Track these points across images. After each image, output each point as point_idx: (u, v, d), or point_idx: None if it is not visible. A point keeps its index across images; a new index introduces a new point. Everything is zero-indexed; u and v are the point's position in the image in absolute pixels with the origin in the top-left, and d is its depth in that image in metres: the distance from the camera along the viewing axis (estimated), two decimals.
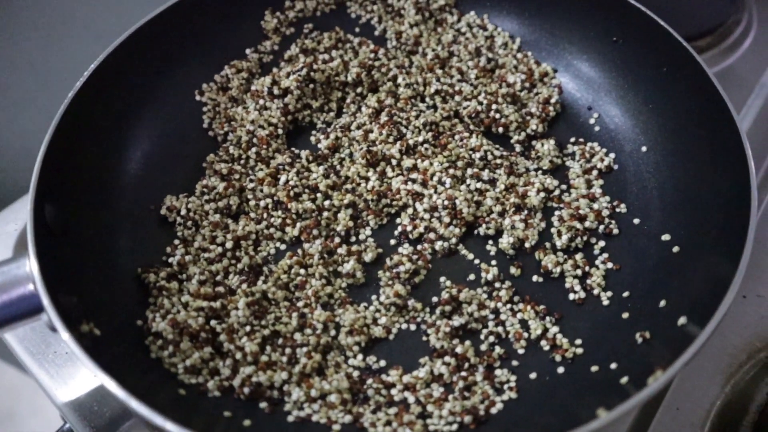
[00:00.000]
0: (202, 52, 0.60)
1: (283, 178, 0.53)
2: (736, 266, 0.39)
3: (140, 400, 0.35)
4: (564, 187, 0.54)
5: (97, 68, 0.51)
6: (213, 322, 0.45)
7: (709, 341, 0.48)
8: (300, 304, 0.47)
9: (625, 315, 0.46)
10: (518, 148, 0.56)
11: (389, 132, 0.55)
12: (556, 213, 0.52)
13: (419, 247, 0.51)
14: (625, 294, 0.47)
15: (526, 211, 0.51)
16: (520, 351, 0.45)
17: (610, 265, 0.49)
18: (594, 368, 0.43)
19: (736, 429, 0.45)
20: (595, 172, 0.54)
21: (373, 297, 0.48)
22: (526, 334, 0.46)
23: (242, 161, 0.55)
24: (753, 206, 0.42)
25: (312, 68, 0.58)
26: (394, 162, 0.54)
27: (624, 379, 0.39)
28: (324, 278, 0.49)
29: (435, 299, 0.48)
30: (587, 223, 0.51)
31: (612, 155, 0.55)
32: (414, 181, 0.52)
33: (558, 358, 0.44)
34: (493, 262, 0.50)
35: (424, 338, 0.46)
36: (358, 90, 0.59)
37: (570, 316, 0.47)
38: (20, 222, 0.58)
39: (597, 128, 0.57)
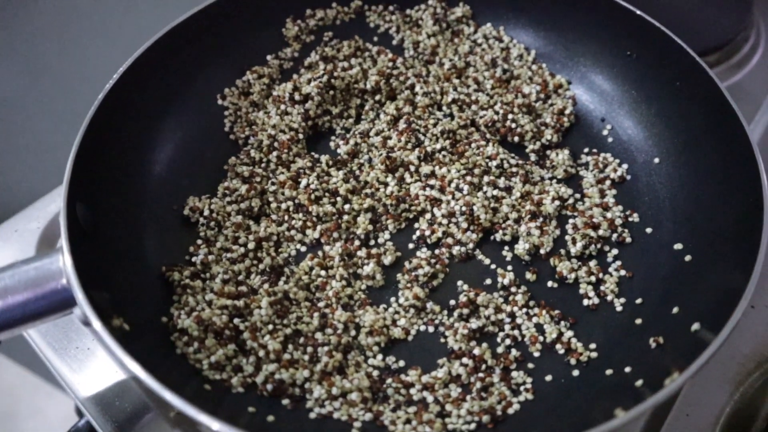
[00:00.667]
0: (224, 58, 0.61)
1: (303, 182, 0.54)
2: (749, 276, 0.41)
3: (173, 391, 0.36)
4: (578, 196, 0.55)
5: (125, 73, 0.52)
6: (236, 321, 0.46)
7: (719, 351, 0.49)
8: (321, 304, 0.48)
9: (639, 321, 0.47)
10: (533, 157, 0.58)
11: (408, 139, 0.56)
12: (571, 221, 0.53)
13: (437, 251, 0.52)
14: (638, 301, 0.48)
15: (541, 219, 0.53)
16: (536, 354, 0.47)
17: (623, 272, 0.50)
18: (608, 371, 0.44)
19: None
20: (608, 182, 0.56)
21: (392, 299, 0.50)
22: (541, 338, 0.47)
23: (263, 164, 0.57)
24: (765, 218, 0.43)
25: (332, 75, 0.59)
26: (412, 168, 0.55)
27: (639, 382, 0.41)
28: (344, 280, 0.50)
29: (453, 302, 0.49)
30: (601, 232, 0.52)
31: (625, 166, 0.56)
32: (432, 187, 0.54)
33: (573, 361, 0.46)
34: (509, 268, 0.51)
35: (442, 340, 0.47)
36: (377, 97, 0.61)
37: (584, 321, 0.48)
38: (42, 220, 0.60)
39: (610, 139, 0.59)
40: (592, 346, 0.46)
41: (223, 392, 0.43)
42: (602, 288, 0.49)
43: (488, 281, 0.51)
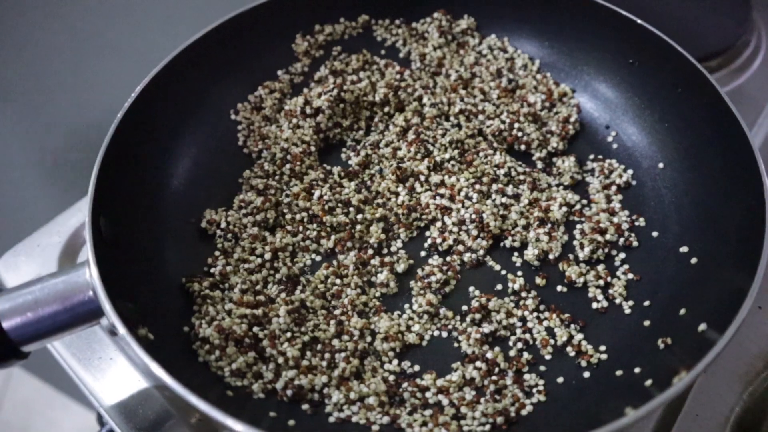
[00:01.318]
0: (236, 74, 0.63)
1: (317, 193, 0.56)
2: (753, 276, 0.42)
3: (200, 396, 0.37)
4: (585, 201, 0.57)
5: (142, 91, 0.54)
6: (255, 329, 0.47)
7: (728, 351, 0.50)
8: (337, 312, 0.50)
9: (647, 323, 0.48)
10: (540, 164, 0.59)
11: (417, 149, 0.58)
12: (578, 226, 0.54)
13: (448, 258, 0.53)
14: (646, 303, 0.49)
15: (549, 225, 0.54)
16: (547, 357, 0.48)
17: (630, 275, 0.51)
18: (618, 372, 0.45)
19: None
20: (614, 188, 0.57)
21: (406, 306, 0.51)
22: (552, 341, 0.48)
23: (277, 177, 0.58)
24: None
25: (342, 89, 0.61)
26: (422, 178, 0.57)
27: (648, 382, 0.42)
28: (359, 288, 0.51)
29: (465, 308, 0.50)
30: (608, 236, 0.53)
31: (630, 171, 0.58)
32: (442, 196, 0.55)
33: (583, 363, 0.47)
34: (519, 273, 0.52)
35: (456, 344, 0.49)
36: (386, 109, 0.62)
37: (594, 324, 0.49)
38: (63, 235, 0.61)
39: (615, 146, 0.60)
40: (602, 348, 0.48)
41: (244, 398, 0.44)
42: (611, 291, 0.51)
43: (499, 287, 0.52)
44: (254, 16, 0.62)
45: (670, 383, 0.38)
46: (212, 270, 0.52)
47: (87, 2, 0.77)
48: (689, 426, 0.48)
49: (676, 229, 0.53)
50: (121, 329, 0.40)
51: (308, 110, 0.60)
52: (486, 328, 0.48)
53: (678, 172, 0.55)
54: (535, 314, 0.50)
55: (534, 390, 0.46)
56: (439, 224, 0.55)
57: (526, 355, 0.48)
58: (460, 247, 0.53)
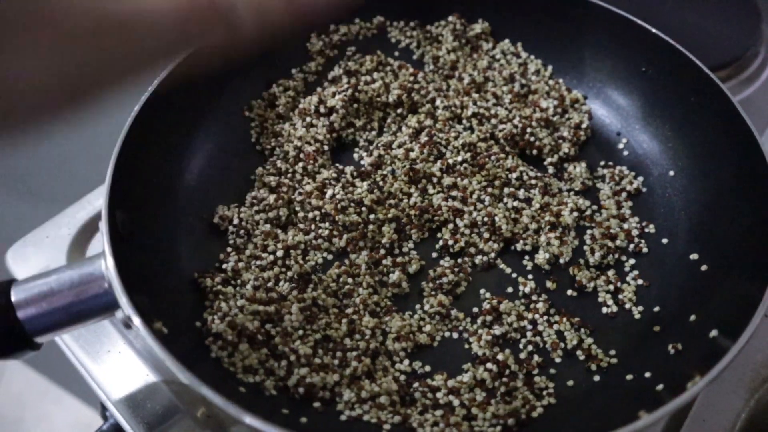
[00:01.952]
0: (250, 72, 0.63)
1: (329, 192, 0.56)
2: (765, 284, 0.42)
3: (215, 389, 0.37)
4: (595, 207, 0.57)
5: (157, 88, 0.54)
6: (268, 326, 0.48)
7: (736, 357, 0.51)
8: (349, 311, 0.50)
9: (657, 328, 0.48)
10: (551, 169, 0.60)
11: (429, 151, 0.58)
12: (589, 232, 0.55)
13: (460, 260, 0.54)
14: (656, 309, 0.50)
15: (560, 229, 0.54)
16: (558, 360, 0.48)
17: (640, 281, 0.52)
18: (629, 377, 0.45)
19: None
20: (624, 194, 0.57)
21: (417, 306, 0.51)
22: (562, 344, 0.49)
23: (289, 175, 0.58)
24: None
25: (356, 89, 0.61)
26: (434, 180, 0.57)
27: (659, 387, 0.42)
28: (371, 287, 0.51)
29: (476, 310, 0.51)
30: (618, 242, 0.54)
31: (640, 179, 0.58)
32: (454, 198, 0.56)
33: (593, 367, 0.47)
34: (530, 276, 0.53)
35: (467, 346, 0.49)
36: (399, 111, 0.63)
37: (604, 329, 0.50)
38: (73, 227, 0.61)
39: (626, 153, 0.60)
40: (612, 352, 0.48)
41: (257, 394, 0.44)
42: (620, 296, 0.51)
43: (510, 289, 0.52)
44: None
45: (681, 388, 0.38)
46: (224, 266, 0.52)
47: None
48: (696, 431, 0.48)
49: (686, 236, 0.53)
50: (138, 322, 0.40)
51: (322, 109, 0.60)
52: (497, 330, 0.49)
53: (689, 180, 0.56)
54: (545, 317, 0.50)
55: (544, 392, 0.46)
56: (451, 226, 0.55)
57: (536, 358, 0.48)
58: (472, 250, 0.54)
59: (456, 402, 0.45)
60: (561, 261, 0.53)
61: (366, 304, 0.50)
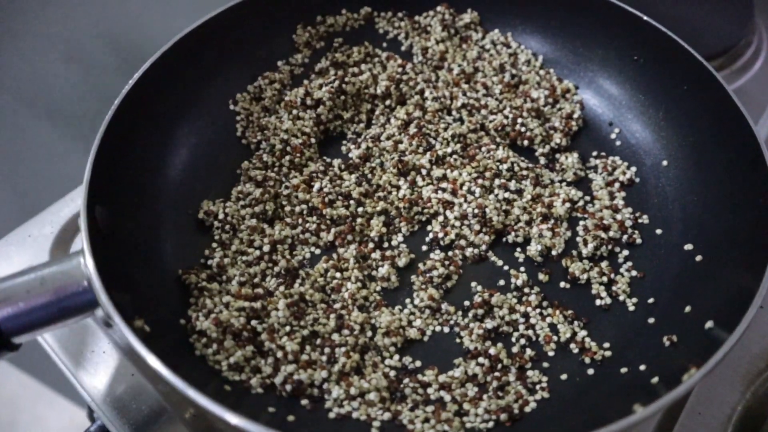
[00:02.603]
0: (236, 64, 0.62)
1: (317, 186, 0.55)
2: (761, 275, 0.41)
3: (197, 388, 0.36)
4: (588, 198, 0.56)
5: (139, 80, 0.53)
6: (254, 322, 0.46)
7: (731, 349, 0.50)
8: (337, 306, 0.49)
9: (651, 320, 0.47)
10: (543, 160, 0.59)
11: (419, 143, 0.57)
12: (581, 223, 0.54)
13: (450, 253, 0.52)
14: (650, 300, 0.49)
15: (552, 221, 0.53)
16: (551, 353, 0.47)
17: (634, 272, 0.51)
18: (623, 370, 0.44)
19: (757, 431, 0.47)
20: (617, 185, 0.56)
21: (407, 300, 0.50)
22: (555, 338, 0.48)
23: (276, 168, 0.57)
24: None
25: (343, 81, 0.60)
26: (424, 172, 0.56)
27: (655, 380, 0.41)
28: (359, 281, 0.50)
29: (467, 303, 0.50)
30: (611, 233, 0.53)
31: (633, 169, 0.57)
32: (444, 190, 0.55)
33: (587, 360, 0.46)
34: (522, 269, 0.52)
35: (458, 340, 0.48)
36: (387, 102, 0.62)
37: (597, 321, 0.49)
38: (56, 225, 0.60)
39: (618, 143, 0.59)
40: (606, 345, 0.47)
41: (242, 393, 0.43)
42: (614, 288, 0.50)
43: (502, 282, 0.51)
44: (255, 5, 0.61)
45: (677, 381, 0.37)
46: (209, 262, 0.51)
47: None
48: (692, 424, 0.47)
49: (680, 226, 0.52)
50: (117, 320, 0.38)
51: (309, 101, 0.59)
52: (488, 323, 0.48)
53: (682, 169, 0.55)
54: (538, 310, 0.49)
55: (537, 387, 0.45)
56: (441, 218, 0.54)
57: (529, 352, 0.47)
58: (463, 242, 0.53)
59: (447, 397, 0.44)
60: (553, 253, 0.52)
61: (354, 298, 0.49)
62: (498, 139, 0.59)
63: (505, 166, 0.56)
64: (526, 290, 0.50)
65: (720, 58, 0.71)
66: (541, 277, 0.51)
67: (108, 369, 0.51)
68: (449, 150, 0.57)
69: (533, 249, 0.52)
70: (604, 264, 0.51)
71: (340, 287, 0.50)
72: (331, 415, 0.43)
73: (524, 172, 0.56)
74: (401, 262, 0.52)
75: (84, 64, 0.81)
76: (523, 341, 0.48)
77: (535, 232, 0.53)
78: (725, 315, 0.41)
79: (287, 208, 0.54)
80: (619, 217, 0.54)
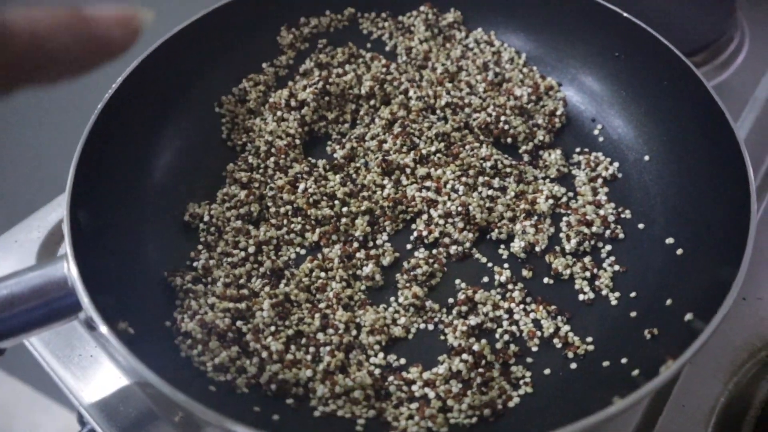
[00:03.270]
0: (220, 67, 0.62)
1: (301, 186, 0.55)
2: (738, 267, 0.42)
3: (182, 391, 0.36)
4: (571, 194, 0.56)
5: (122, 83, 0.53)
6: (239, 323, 0.47)
7: (712, 342, 0.50)
8: (322, 305, 0.49)
9: (633, 313, 0.48)
10: (526, 157, 0.59)
11: (403, 142, 0.58)
12: (564, 219, 0.54)
13: (435, 251, 0.53)
14: (633, 294, 0.49)
15: (535, 217, 0.54)
16: (534, 348, 0.47)
17: (617, 267, 0.51)
18: (605, 363, 0.45)
19: (740, 422, 0.47)
20: (600, 180, 0.57)
21: (392, 299, 0.50)
22: (539, 333, 0.48)
23: (261, 170, 0.57)
24: (752, 211, 0.45)
25: (327, 82, 0.60)
26: (408, 171, 0.56)
27: (635, 372, 0.41)
28: (344, 281, 0.51)
29: (451, 300, 0.50)
30: (594, 228, 0.53)
31: (616, 164, 0.58)
32: (428, 188, 0.55)
33: (570, 354, 0.47)
34: (506, 265, 0.52)
35: (442, 337, 0.48)
36: (371, 102, 0.62)
37: (580, 316, 0.49)
38: (42, 230, 0.60)
39: (601, 139, 0.60)
40: (589, 339, 0.47)
41: (228, 393, 0.43)
42: (597, 283, 0.51)
43: (485, 279, 0.51)
44: (239, 7, 0.61)
45: (656, 373, 0.38)
46: (195, 264, 0.51)
47: None
48: (675, 416, 0.48)
49: (662, 220, 0.53)
50: (100, 323, 0.39)
51: (293, 103, 0.59)
52: (472, 320, 0.48)
53: (664, 164, 0.55)
54: (521, 306, 0.49)
55: (521, 382, 0.45)
56: (425, 217, 0.54)
57: (512, 347, 0.47)
58: (447, 240, 0.53)
59: (432, 394, 0.44)
60: (537, 249, 0.52)
61: (339, 298, 0.49)
62: (482, 137, 0.60)
63: (488, 164, 0.56)
64: (510, 286, 0.50)
65: (702, 53, 0.72)
66: (525, 273, 0.51)
67: (95, 373, 0.51)
68: (433, 149, 0.58)
69: (517, 245, 0.52)
70: (587, 259, 0.52)
71: (325, 287, 0.50)
72: (316, 413, 0.43)
73: (508, 170, 0.56)
74: (386, 260, 0.52)
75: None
76: (506, 337, 0.48)
77: (518, 228, 0.53)
78: (704, 307, 0.41)
79: (272, 210, 0.55)
80: (602, 212, 0.54)
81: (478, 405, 0.43)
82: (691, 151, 0.54)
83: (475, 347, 0.47)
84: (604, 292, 0.50)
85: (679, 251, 0.49)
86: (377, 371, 0.46)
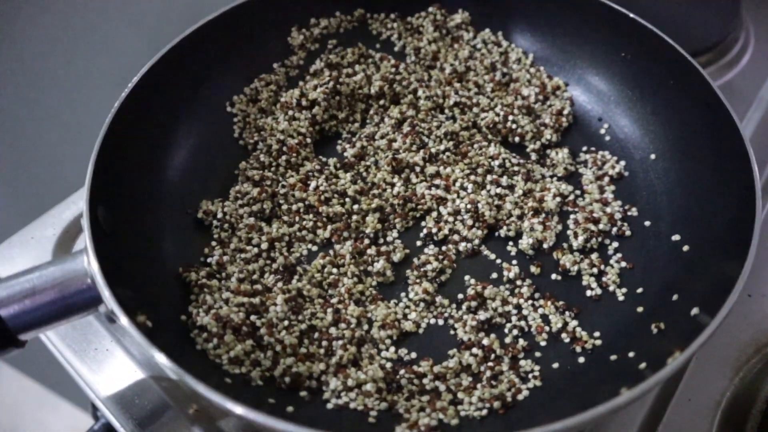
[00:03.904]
0: (232, 67, 0.63)
1: (313, 184, 0.56)
2: (743, 262, 0.42)
3: (200, 380, 0.37)
4: (578, 192, 0.57)
5: (137, 84, 0.54)
6: (253, 317, 0.48)
7: (718, 338, 0.51)
8: (334, 300, 0.50)
9: (640, 309, 0.49)
10: (534, 156, 0.60)
11: (412, 141, 0.58)
12: (572, 216, 0.55)
13: (444, 248, 0.54)
14: (639, 290, 0.50)
15: (543, 215, 0.54)
16: (543, 343, 0.48)
17: (623, 264, 0.52)
18: (613, 357, 0.46)
19: (746, 416, 0.48)
20: (606, 179, 0.58)
21: (402, 294, 0.51)
22: (547, 328, 0.49)
23: (272, 168, 0.58)
24: (758, 208, 0.45)
25: (337, 81, 0.61)
26: (417, 169, 0.57)
27: (642, 365, 0.42)
28: (355, 277, 0.52)
29: (461, 296, 0.51)
30: (601, 226, 0.54)
31: (622, 163, 0.58)
32: (437, 186, 0.56)
33: (578, 349, 0.47)
34: (514, 262, 0.53)
35: (452, 332, 0.49)
36: (381, 102, 0.63)
37: (588, 311, 0.50)
38: (58, 227, 0.61)
39: (607, 138, 0.61)
40: (596, 334, 0.48)
41: (243, 385, 0.44)
42: (604, 279, 0.51)
43: (494, 275, 0.52)
44: (250, 9, 0.62)
45: (664, 364, 0.38)
46: (209, 260, 0.52)
47: None
48: (682, 410, 0.49)
49: (668, 218, 0.53)
50: (120, 315, 0.40)
51: (304, 102, 0.60)
52: (482, 315, 0.49)
53: (670, 162, 0.56)
54: (530, 302, 0.50)
55: (530, 375, 0.46)
56: (434, 214, 0.55)
57: (521, 342, 0.48)
58: (456, 237, 0.54)
59: (442, 387, 0.45)
60: (545, 246, 0.53)
61: (351, 293, 0.50)
62: (490, 136, 0.60)
63: (496, 163, 0.57)
64: (518, 282, 0.51)
65: (707, 53, 0.72)
66: (533, 269, 0.52)
67: (111, 366, 0.52)
68: (442, 147, 0.59)
69: (525, 242, 0.53)
70: (594, 256, 0.53)
71: (337, 282, 0.51)
72: (329, 405, 0.44)
73: (515, 168, 0.57)
74: (396, 257, 0.53)
75: (84, 67, 0.82)
76: (515, 332, 0.49)
77: (526, 226, 0.54)
78: (710, 301, 0.42)
79: (284, 207, 0.56)
80: (608, 210, 0.55)
81: (488, 398, 0.44)
82: (697, 149, 0.54)
83: (485, 342, 0.47)
84: (611, 288, 0.51)
85: (685, 248, 0.50)
86: (388, 365, 0.47)
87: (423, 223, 0.55)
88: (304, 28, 0.67)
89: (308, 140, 0.60)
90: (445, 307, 0.50)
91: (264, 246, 0.53)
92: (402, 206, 0.55)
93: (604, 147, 0.60)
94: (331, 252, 0.53)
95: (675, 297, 0.47)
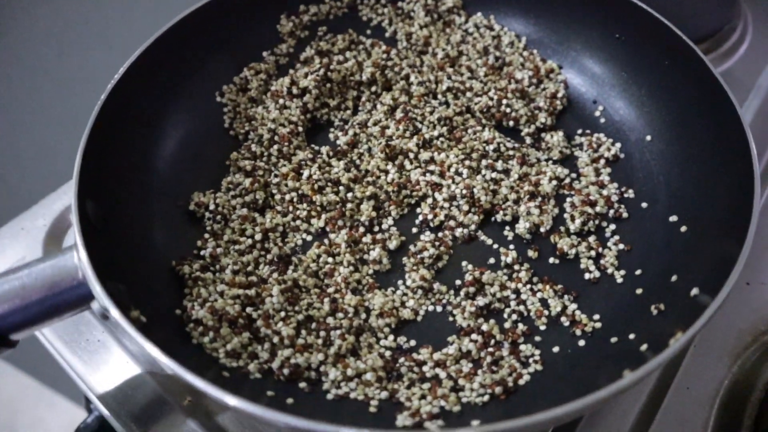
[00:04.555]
0: (220, 56, 0.62)
1: (305, 173, 0.55)
2: (743, 241, 0.42)
3: (197, 374, 0.37)
4: (574, 175, 0.57)
5: (125, 74, 0.53)
6: (249, 309, 0.47)
7: (717, 326, 0.51)
8: (330, 290, 0.49)
9: (639, 291, 0.48)
10: (528, 140, 0.59)
11: (405, 127, 0.58)
12: (568, 199, 0.55)
13: (440, 234, 0.53)
14: (638, 272, 0.50)
15: (540, 198, 0.54)
16: (542, 327, 0.48)
17: (621, 246, 0.52)
18: (613, 339, 0.45)
19: (744, 404, 0.48)
20: (602, 161, 0.57)
21: (399, 282, 0.51)
22: (546, 312, 0.49)
23: (264, 158, 0.57)
24: (756, 187, 0.45)
25: (328, 69, 0.60)
26: (411, 155, 0.57)
27: (644, 347, 0.42)
28: (351, 265, 0.51)
29: (459, 282, 0.50)
30: (598, 208, 0.54)
31: (618, 145, 0.58)
32: (432, 172, 0.55)
33: (578, 332, 0.47)
34: (511, 246, 0.52)
35: (451, 318, 0.49)
36: (373, 88, 0.62)
37: (587, 294, 0.50)
38: (48, 218, 0.60)
39: (603, 120, 0.60)
40: (596, 317, 0.48)
41: (241, 379, 0.44)
42: (602, 262, 0.51)
43: (492, 260, 0.52)
44: None
45: (665, 346, 0.38)
46: (202, 252, 0.51)
47: None
48: (680, 398, 0.48)
49: (665, 199, 0.53)
50: (113, 311, 0.39)
51: (295, 90, 0.60)
52: (480, 301, 0.48)
53: (666, 143, 0.56)
54: (528, 286, 0.50)
55: (530, 360, 0.46)
56: (429, 200, 0.55)
57: (521, 327, 0.48)
58: (452, 223, 0.53)
59: (443, 374, 0.45)
60: (542, 230, 0.53)
61: (347, 282, 0.50)
62: (484, 121, 0.60)
63: (491, 147, 0.57)
64: (516, 267, 0.51)
65: (706, 42, 0.72)
66: (531, 253, 0.52)
67: (103, 358, 0.51)
68: (436, 133, 0.58)
69: (522, 227, 0.53)
70: (591, 239, 0.52)
71: (333, 272, 0.50)
72: (329, 396, 0.44)
73: (510, 152, 0.57)
74: (392, 244, 0.52)
75: (75, 59, 0.81)
76: (514, 317, 0.48)
77: (523, 210, 0.53)
78: (710, 282, 0.42)
79: (277, 197, 0.55)
80: (605, 192, 0.55)
81: (489, 383, 0.44)
82: (693, 129, 0.54)
83: (484, 327, 0.47)
84: (609, 271, 0.50)
85: (683, 228, 0.50)
86: (388, 353, 0.47)
87: (418, 210, 0.55)
88: (294, 15, 0.66)
89: (300, 129, 0.59)
90: (443, 293, 0.50)
91: (258, 237, 0.52)
92: (397, 193, 0.55)
93: (600, 129, 0.60)
94: (326, 241, 0.52)
95: (674, 278, 0.47)
